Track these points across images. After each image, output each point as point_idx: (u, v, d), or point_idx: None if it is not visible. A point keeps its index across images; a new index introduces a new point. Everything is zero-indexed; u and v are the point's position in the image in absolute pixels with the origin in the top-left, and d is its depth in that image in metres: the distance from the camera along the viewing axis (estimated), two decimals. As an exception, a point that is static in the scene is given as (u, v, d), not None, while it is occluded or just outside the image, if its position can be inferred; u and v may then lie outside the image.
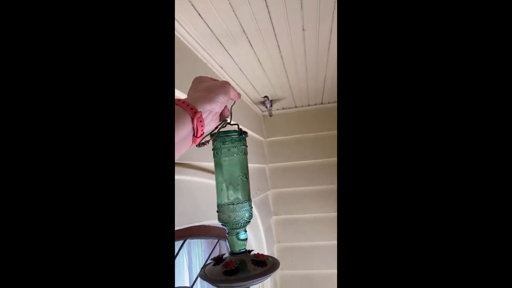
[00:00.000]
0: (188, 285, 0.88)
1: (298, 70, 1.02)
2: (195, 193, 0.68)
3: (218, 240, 1.03)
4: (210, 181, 0.72)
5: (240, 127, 0.42)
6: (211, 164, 0.73)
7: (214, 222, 0.81)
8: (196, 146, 0.37)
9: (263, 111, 1.55)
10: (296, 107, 1.52)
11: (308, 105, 1.51)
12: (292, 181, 1.51)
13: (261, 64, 0.93)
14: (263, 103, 1.35)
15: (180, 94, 0.63)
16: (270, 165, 1.56)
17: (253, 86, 1.13)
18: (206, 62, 0.84)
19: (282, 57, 0.90)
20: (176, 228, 0.58)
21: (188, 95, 0.37)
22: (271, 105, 1.36)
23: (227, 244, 0.40)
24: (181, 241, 0.76)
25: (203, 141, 0.37)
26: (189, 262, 0.95)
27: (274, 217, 1.53)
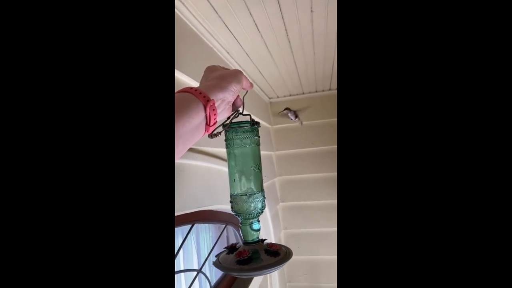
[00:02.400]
0: (196, 267, 0.91)
1: (305, 54, 0.99)
2: (204, 178, 0.69)
3: (226, 225, 1.05)
4: (218, 166, 0.73)
5: (253, 117, 0.41)
6: (219, 150, 0.73)
7: (222, 207, 0.83)
8: (209, 137, 0.37)
9: (268, 99, 1.53)
10: (303, 93, 1.50)
11: (316, 91, 1.48)
12: (299, 168, 1.51)
13: (267, 48, 0.90)
14: (285, 115, 1.24)
15: (187, 80, 0.62)
16: (277, 152, 1.56)
17: (260, 71, 1.10)
18: (211, 46, 0.82)
19: (289, 41, 0.87)
20: (184, 212, 0.59)
21: (200, 84, 0.36)
22: (296, 117, 1.26)
23: (241, 233, 0.40)
24: (189, 225, 0.78)
25: (215, 132, 0.37)
26: (197, 247, 0.98)
27: (281, 203, 1.54)
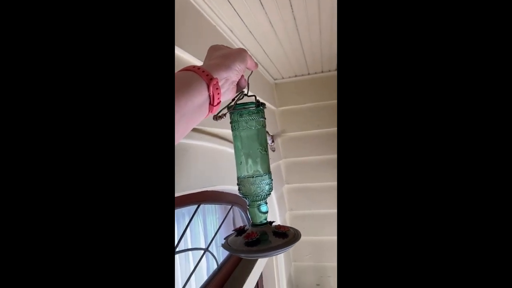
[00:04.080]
0: (203, 246, 0.93)
1: (311, 33, 0.95)
2: (209, 159, 0.69)
3: (232, 206, 1.06)
4: (223, 147, 0.73)
5: (258, 98, 0.40)
6: (223, 131, 0.73)
7: (228, 187, 0.84)
8: (214, 119, 0.36)
9: (273, 80, 1.49)
10: (309, 74, 1.45)
11: (322, 71, 1.44)
12: (305, 151, 1.50)
13: (272, 26, 0.86)
14: None
15: (190, 59, 0.60)
16: (282, 134, 1.54)
17: (264, 51, 1.07)
18: (214, 24, 0.78)
19: (294, 17, 0.83)
20: (189, 192, 0.60)
21: (203, 63, 0.34)
22: (272, 141, 1.21)
23: (249, 215, 0.40)
24: (196, 206, 0.79)
25: (220, 114, 0.36)
26: (204, 228, 1.00)
27: (286, 185, 1.55)
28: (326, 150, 1.46)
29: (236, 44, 0.94)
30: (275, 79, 1.51)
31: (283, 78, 1.49)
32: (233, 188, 0.79)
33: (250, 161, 0.39)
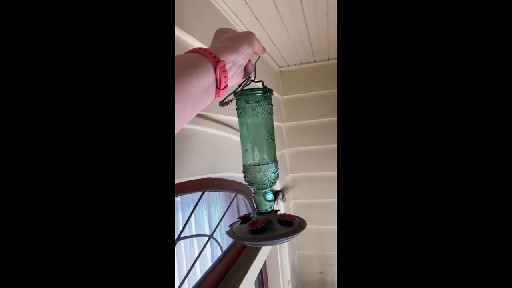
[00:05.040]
0: (208, 233, 0.95)
1: (318, 15, 0.92)
2: (214, 146, 0.69)
3: (236, 194, 1.07)
4: (228, 134, 0.73)
5: (265, 84, 0.39)
6: (230, 118, 0.72)
7: (232, 175, 0.84)
8: (220, 105, 0.35)
9: (277, 68, 1.46)
10: (315, 61, 1.42)
11: (328, 59, 1.40)
12: (310, 140, 1.49)
13: (278, 9, 0.83)
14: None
15: (195, 43, 0.59)
16: (287, 123, 1.53)
17: (269, 37, 1.04)
18: (219, 8, 0.76)
19: (301, 1, 0.80)
20: (192, 178, 0.60)
21: (210, 47, 0.33)
22: (282, 196, 1.23)
23: (254, 203, 0.40)
24: (200, 193, 0.79)
25: (226, 100, 0.35)
26: (209, 216, 1.01)
27: (290, 174, 1.55)
28: (331, 139, 1.45)
29: (241, 29, 0.92)
30: (280, 67, 1.48)
31: (288, 65, 1.46)
32: (238, 176, 0.79)
33: (256, 148, 0.39)
